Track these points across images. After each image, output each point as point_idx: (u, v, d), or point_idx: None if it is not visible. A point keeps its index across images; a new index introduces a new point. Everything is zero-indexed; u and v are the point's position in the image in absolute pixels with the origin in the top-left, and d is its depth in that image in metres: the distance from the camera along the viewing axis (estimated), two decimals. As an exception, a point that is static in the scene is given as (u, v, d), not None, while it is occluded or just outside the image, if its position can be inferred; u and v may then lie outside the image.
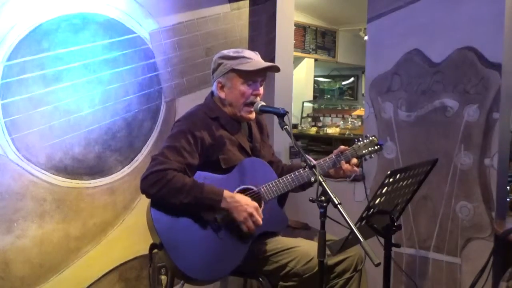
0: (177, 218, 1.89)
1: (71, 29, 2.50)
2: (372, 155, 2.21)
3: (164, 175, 1.84)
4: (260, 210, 1.93)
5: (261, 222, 1.91)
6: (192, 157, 1.94)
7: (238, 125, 2.10)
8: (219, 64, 2.03)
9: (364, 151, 2.17)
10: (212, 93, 2.12)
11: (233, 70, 2.00)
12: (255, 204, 1.92)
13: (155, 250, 1.94)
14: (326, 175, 2.09)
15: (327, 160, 2.11)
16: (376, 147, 2.20)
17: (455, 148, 2.62)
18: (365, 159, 2.20)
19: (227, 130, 2.05)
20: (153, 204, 1.90)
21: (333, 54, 8.33)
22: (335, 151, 2.14)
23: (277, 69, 2.08)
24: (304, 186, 2.10)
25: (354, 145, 2.17)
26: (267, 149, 2.24)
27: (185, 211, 1.88)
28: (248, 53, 2.04)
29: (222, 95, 2.04)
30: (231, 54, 2.02)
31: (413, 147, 2.77)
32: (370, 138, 2.21)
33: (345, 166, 2.09)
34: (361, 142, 2.19)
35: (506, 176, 2.63)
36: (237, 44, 3.27)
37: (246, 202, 1.90)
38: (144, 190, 1.89)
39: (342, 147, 2.15)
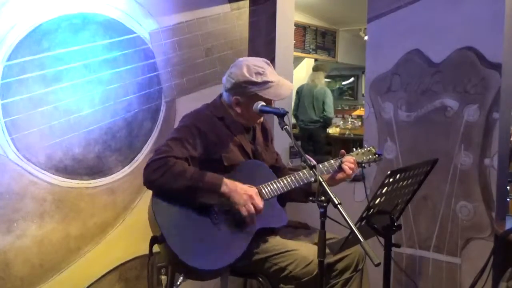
0: (178, 210, 1.90)
1: (71, 29, 2.49)
2: (371, 164, 2.27)
3: (166, 162, 1.88)
4: (259, 198, 1.94)
5: (261, 205, 1.92)
6: (195, 150, 1.97)
7: (242, 127, 2.13)
8: (243, 87, 2.04)
9: (363, 159, 2.22)
10: (220, 95, 2.16)
11: (257, 95, 2.04)
12: (255, 189, 1.95)
13: (157, 250, 1.94)
14: (329, 184, 2.11)
15: (326, 164, 2.15)
16: (375, 156, 2.26)
17: (455, 148, 2.62)
18: (364, 167, 2.24)
19: (230, 131, 2.09)
20: (155, 195, 1.92)
21: (333, 54, 8.34)
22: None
23: None
24: (307, 194, 2.11)
25: (352, 152, 2.23)
26: (270, 154, 2.26)
27: (186, 197, 1.89)
28: (269, 72, 2.05)
29: (238, 110, 2.08)
30: (255, 79, 2.02)
31: (413, 147, 2.77)
32: (369, 148, 2.28)
33: (346, 165, 2.12)
34: (360, 150, 2.26)
35: (506, 176, 2.63)
36: (237, 44, 3.27)
37: (246, 186, 1.93)
38: (146, 178, 1.91)
39: (342, 151, 2.20)
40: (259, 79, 2.02)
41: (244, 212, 1.90)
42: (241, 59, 2.12)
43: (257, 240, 1.99)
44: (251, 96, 2.04)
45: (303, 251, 1.95)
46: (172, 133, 2.03)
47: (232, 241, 1.93)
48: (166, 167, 1.87)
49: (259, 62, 2.07)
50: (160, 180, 1.88)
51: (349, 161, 2.14)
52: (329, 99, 6.49)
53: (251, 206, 1.90)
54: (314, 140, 6.41)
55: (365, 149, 2.26)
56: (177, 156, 1.91)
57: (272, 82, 2.04)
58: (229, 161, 2.03)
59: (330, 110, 6.47)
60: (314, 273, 1.83)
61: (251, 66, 2.03)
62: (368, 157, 2.24)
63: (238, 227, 1.94)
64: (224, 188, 1.90)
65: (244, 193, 1.90)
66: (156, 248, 1.97)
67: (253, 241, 1.96)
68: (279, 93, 2.05)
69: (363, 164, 2.22)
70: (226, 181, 1.91)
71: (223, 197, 1.91)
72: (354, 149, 2.26)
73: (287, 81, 2.12)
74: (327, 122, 6.60)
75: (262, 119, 2.16)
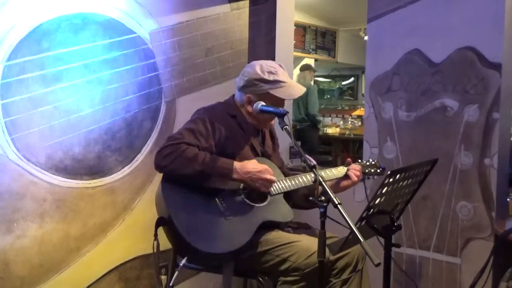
0: (187, 193, 1.95)
1: (71, 29, 2.49)
2: (375, 177, 2.35)
3: (177, 147, 1.91)
4: (270, 170, 2.01)
5: (275, 179, 2.01)
6: (207, 142, 2.00)
7: (253, 128, 2.18)
8: (255, 84, 2.08)
9: (366, 170, 2.30)
10: (233, 96, 2.20)
11: (267, 93, 2.07)
12: (264, 166, 1.99)
13: (162, 248, 1.95)
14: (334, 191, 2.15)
15: (333, 170, 2.21)
16: (378, 170, 2.33)
17: (455, 148, 2.62)
18: (368, 178, 2.33)
19: (242, 130, 2.13)
20: (165, 180, 1.97)
21: (333, 54, 8.33)
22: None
23: None
24: (308, 200, 2.13)
25: (357, 163, 2.30)
26: (277, 158, 2.32)
27: (197, 182, 1.94)
28: (281, 73, 2.10)
29: (250, 109, 2.11)
30: (267, 77, 2.07)
31: (413, 147, 2.77)
32: (373, 162, 2.35)
33: (351, 172, 2.19)
34: (364, 162, 2.33)
35: (506, 176, 2.63)
36: (237, 44, 3.27)
37: (256, 168, 1.97)
38: (158, 163, 1.94)
39: (348, 159, 2.27)
40: (271, 77, 2.06)
41: (264, 190, 2.00)
42: (255, 61, 2.17)
43: (260, 233, 2.01)
44: (262, 95, 2.08)
45: (304, 243, 1.97)
46: (187, 124, 2.06)
47: (237, 229, 1.96)
48: (178, 153, 1.90)
49: (272, 63, 2.13)
50: (171, 166, 1.91)
51: (355, 169, 2.21)
52: (312, 96, 6.42)
53: (268, 184, 1.99)
54: (304, 141, 6.31)
55: (370, 162, 2.33)
56: (189, 143, 1.94)
57: (284, 82, 2.08)
58: (240, 157, 2.07)
59: (311, 106, 6.39)
60: (316, 264, 1.84)
61: (264, 66, 2.10)
62: (372, 170, 2.32)
63: (244, 216, 1.98)
64: (235, 175, 1.95)
65: (258, 178, 1.95)
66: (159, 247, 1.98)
67: (256, 233, 1.99)
68: (291, 93, 2.09)
69: (367, 177, 2.31)
70: (236, 166, 1.95)
71: (236, 181, 1.97)
72: (359, 160, 2.35)
73: (298, 84, 2.18)
74: (313, 120, 6.53)
75: (273, 123, 2.19)
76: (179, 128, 2.06)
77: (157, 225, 1.99)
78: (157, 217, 2.01)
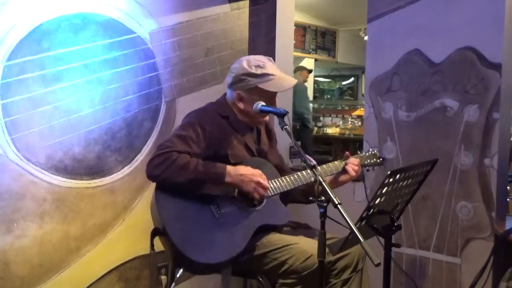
0: (181, 202, 1.92)
1: (71, 29, 2.49)
2: (374, 168, 2.32)
3: (169, 156, 1.89)
4: (264, 176, 1.97)
5: (268, 186, 1.97)
6: (198, 147, 1.98)
7: (246, 126, 2.14)
8: (242, 80, 2.05)
9: (366, 162, 2.26)
10: (225, 95, 2.17)
11: (257, 88, 2.04)
12: (258, 171, 1.97)
13: (158, 250, 1.94)
14: (333, 186, 2.12)
15: (330, 165, 2.17)
16: (378, 160, 2.29)
17: (455, 148, 2.62)
18: (368, 170, 2.29)
19: (235, 130, 2.10)
20: (158, 189, 1.94)
21: (333, 54, 8.34)
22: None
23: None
24: (307, 197, 2.12)
25: (356, 155, 2.26)
26: (275, 155, 2.28)
27: (190, 189, 1.92)
28: (269, 66, 2.05)
29: (241, 106, 2.08)
30: (254, 71, 2.03)
31: (413, 147, 2.77)
32: (373, 151, 2.31)
33: (349, 167, 2.15)
34: (364, 153, 2.29)
35: (506, 176, 2.63)
36: (237, 44, 3.27)
37: (250, 172, 1.95)
38: (150, 173, 1.92)
39: (346, 153, 2.23)
40: (258, 71, 2.03)
41: (256, 196, 1.95)
42: (242, 57, 2.13)
43: (257, 236, 2.00)
44: (252, 90, 2.04)
45: (302, 245, 1.95)
46: (177, 130, 2.04)
47: (232, 237, 1.94)
48: (169, 162, 1.88)
49: (260, 57, 2.09)
50: (163, 175, 1.89)
51: (353, 163, 2.16)
52: (299, 94, 6.39)
53: (261, 190, 1.95)
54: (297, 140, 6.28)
55: (370, 153, 2.30)
56: (180, 150, 1.92)
57: (272, 75, 2.03)
58: (235, 158, 2.04)
59: (298, 104, 6.35)
60: (314, 267, 1.84)
61: (251, 60, 2.06)
62: (372, 161, 2.27)
63: (239, 222, 1.96)
64: (228, 179, 1.92)
65: (251, 181, 1.93)
66: (157, 247, 1.97)
67: (253, 237, 1.97)
68: (281, 84, 2.04)
69: (367, 168, 2.27)
70: (229, 170, 1.93)
71: (229, 186, 1.94)
72: (359, 152, 2.31)
73: (290, 76, 2.13)
74: (301, 119, 6.52)
75: (267, 118, 2.16)
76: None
77: (153, 235, 1.98)
78: (153, 227, 2.00)
